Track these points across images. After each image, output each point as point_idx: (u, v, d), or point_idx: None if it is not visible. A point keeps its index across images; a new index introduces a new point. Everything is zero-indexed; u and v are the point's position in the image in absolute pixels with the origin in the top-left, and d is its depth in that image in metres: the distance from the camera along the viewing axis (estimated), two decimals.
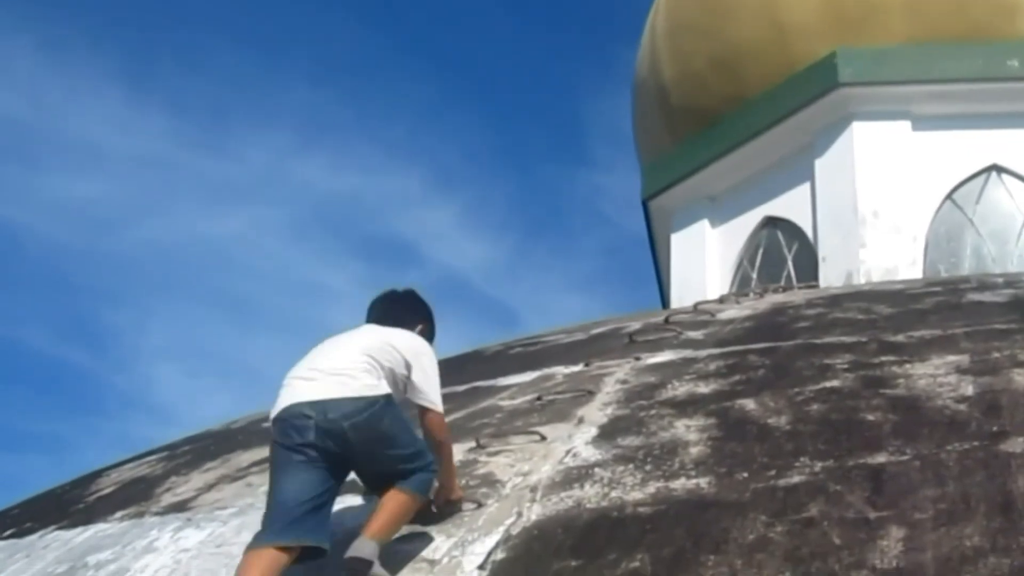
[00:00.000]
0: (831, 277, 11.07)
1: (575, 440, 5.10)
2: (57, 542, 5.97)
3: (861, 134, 11.41)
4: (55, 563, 5.64)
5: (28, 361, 34.28)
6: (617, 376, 5.86)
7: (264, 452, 6.40)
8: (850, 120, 11.44)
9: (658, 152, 13.17)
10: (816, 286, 10.07)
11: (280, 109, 36.88)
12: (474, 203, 39.58)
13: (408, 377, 4.50)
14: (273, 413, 4.38)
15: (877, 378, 5.24)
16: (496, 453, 5.15)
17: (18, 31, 32.35)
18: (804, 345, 5.93)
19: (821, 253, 11.36)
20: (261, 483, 5.79)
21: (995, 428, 4.57)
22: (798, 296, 7.77)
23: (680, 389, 5.46)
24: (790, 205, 11.91)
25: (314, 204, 37.76)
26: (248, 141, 36.72)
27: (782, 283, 11.66)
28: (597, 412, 5.40)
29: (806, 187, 11.75)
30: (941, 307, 6.55)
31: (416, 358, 4.53)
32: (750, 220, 12.24)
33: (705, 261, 12.42)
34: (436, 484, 4.55)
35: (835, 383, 5.23)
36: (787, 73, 11.76)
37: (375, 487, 4.44)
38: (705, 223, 12.58)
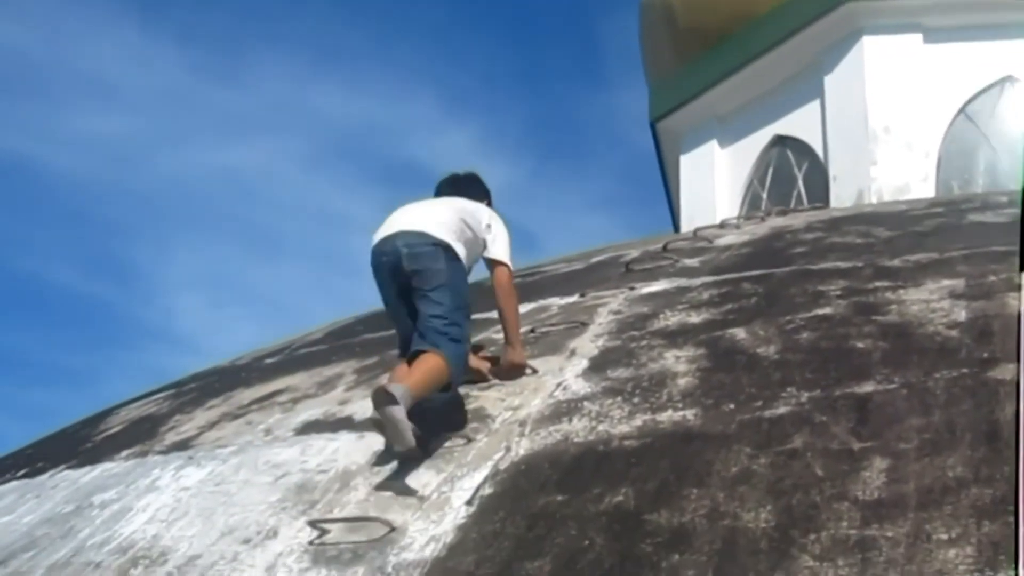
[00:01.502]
0: (842, 196, 10.94)
1: (566, 373, 5.11)
2: (66, 482, 6.09)
3: (871, 48, 11.18)
4: (63, 503, 5.75)
5: (53, 296, 34.64)
6: (611, 307, 5.84)
7: (265, 389, 6.52)
8: (859, 35, 11.21)
9: (666, 73, 12.99)
10: (820, 207, 9.96)
11: (293, 36, 36.62)
12: (491, 125, 39.35)
13: (485, 236, 5.15)
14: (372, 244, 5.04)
15: (870, 304, 5.20)
16: (487, 387, 5.16)
17: None
18: (799, 271, 5.89)
19: (832, 172, 11.22)
20: (260, 420, 5.87)
21: (985, 355, 4.53)
22: (799, 220, 7.70)
23: (672, 319, 5.44)
24: (800, 123, 11.73)
25: (331, 131, 37.65)
26: (262, 70, 36.48)
27: (792, 203, 11.57)
28: (589, 344, 5.39)
29: (816, 104, 11.56)
30: (941, 229, 6.47)
31: (492, 220, 5.24)
32: (759, 139, 12.08)
33: (714, 182, 12.30)
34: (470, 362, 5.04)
35: (827, 310, 5.20)
36: None
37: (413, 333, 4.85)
38: (714, 144, 12.43)
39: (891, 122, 10.97)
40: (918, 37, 11.17)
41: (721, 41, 12.10)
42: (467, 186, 5.49)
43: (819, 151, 11.49)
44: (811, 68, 11.54)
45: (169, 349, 34.32)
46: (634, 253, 7.10)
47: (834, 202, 10.92)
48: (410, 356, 4.73)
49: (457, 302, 4.82)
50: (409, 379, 4.53)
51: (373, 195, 36.47)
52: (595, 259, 7.40)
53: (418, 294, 4.82)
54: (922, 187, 10.74)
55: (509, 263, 5.20)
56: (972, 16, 11.09)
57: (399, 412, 4.30)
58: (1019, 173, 10.74)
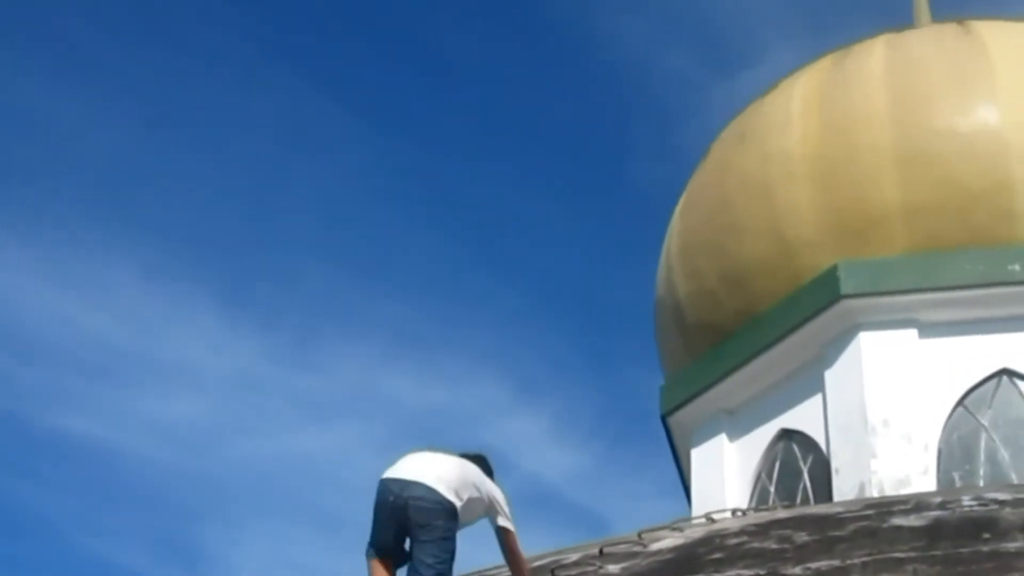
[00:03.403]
0: (844, 489, 10.98)
1: None
2: None
3: (868, 344, 11.47)
4: None
5: None
6: None
7: None
8: (856, 330, 11.52)
9: (678, 367, 13.37)
10: (788, 505, 9.97)
11: (369, 324, 37.96)
12: (563, 411, 39.66)
13: (488, 506, 5.98)
14: (383, 475, 5.97)
15: None
16: None
17: (123, 260, 34.43)
18: None
19: (834, 465, 11.29)
20: None
21: None
22: (739, 522, 7.79)
23: None
24: (803, 417, 11.91)
25: (404, 417, 38.36)
26: (338, 357, 37.72)
27: (798, 497, 11.61)
28: None
29: (818, 398, 11.77)
30: (858, 534, 6.52)
31: (495, 492, 6.08)
32: (766, 433, 12.24)
33: (724, 475, 12.38)
34: None
35: None
36: (794, 287, 11.96)
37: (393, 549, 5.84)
38: (723, 437, 12.60)
39: (890, 415, 11.11)
40: (913, 332, 11.45)
41: (727, 337, 12.50)
42: (476, 463, 6.25)
43: (822, 444, 11.60)
44: (812, 363, 11.84)
45: None
46: (573, 557, 7.25)
47: (836, 495, 10.95)
48: None
49: (445, 556, 5.65)
50: None
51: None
52: (535, 564, 7.53)
53: (415, 538, 5.68)
54: (922, 480, 10.74)
55: (514, 529, 6.04)
56: (966, 311, 11.39)
57: None
58: None
